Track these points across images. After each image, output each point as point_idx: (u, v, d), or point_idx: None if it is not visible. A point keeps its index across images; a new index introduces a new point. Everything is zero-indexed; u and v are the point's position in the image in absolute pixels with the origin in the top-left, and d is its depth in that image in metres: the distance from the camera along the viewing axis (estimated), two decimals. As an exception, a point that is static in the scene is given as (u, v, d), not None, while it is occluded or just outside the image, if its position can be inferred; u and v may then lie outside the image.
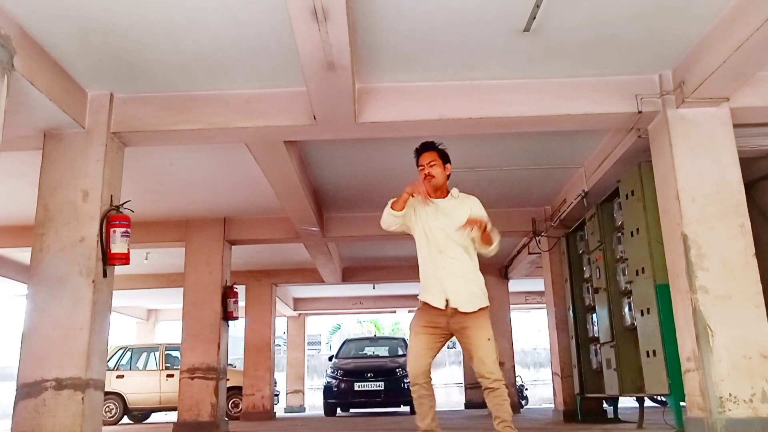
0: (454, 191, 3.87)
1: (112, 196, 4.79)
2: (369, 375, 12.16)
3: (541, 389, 20.46)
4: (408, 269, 10.93)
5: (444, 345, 3.77)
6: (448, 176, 3.85)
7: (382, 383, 11.96)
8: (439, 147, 3.87)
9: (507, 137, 6.10)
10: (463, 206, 3.78)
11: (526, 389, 16.88)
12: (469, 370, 15.10)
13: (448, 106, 4.93)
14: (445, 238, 3.70)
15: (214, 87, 4.92)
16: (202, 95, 4.95)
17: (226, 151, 6.31)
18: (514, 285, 12.65)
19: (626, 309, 6.29)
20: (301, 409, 17.17)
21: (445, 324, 3.64)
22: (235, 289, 8.76)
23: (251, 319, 12.32)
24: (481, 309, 3.64)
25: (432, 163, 3.78)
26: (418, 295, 3.80)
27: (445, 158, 3.85)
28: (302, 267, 12.08)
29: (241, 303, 10.38)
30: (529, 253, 9.62)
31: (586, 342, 7.60)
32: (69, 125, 4.68)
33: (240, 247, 9.29)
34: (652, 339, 5.54)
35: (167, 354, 12.67)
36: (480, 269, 3.77)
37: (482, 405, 15.91)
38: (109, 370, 11.17)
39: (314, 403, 18.66)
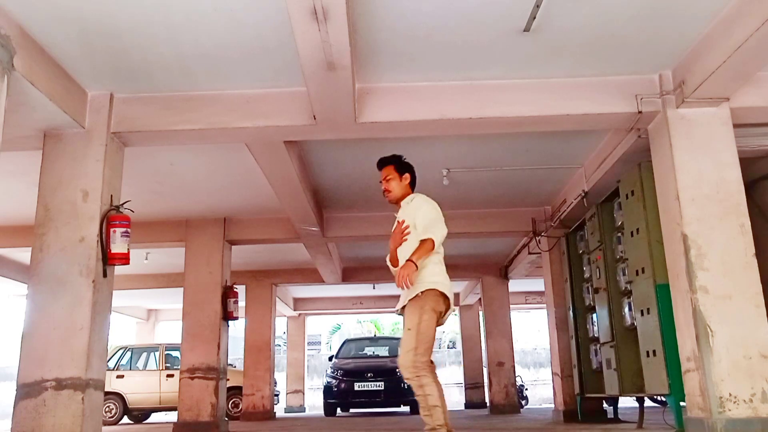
0: (407, 199, 3.95)
1: (112, 196, 4.79)
2: (369, 375, 12.16)
3: (541, 389, 20.46)
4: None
5: None
6: (410, 184, 3.98)
7: (382, 383, 11.95)
8: (396, 159, 4.01)
9: (507, 137, 6.10)
10: (404, 213, 3.90)
11: (526, 389, 16.90)
12: (469, 370, 15.11)
13: (448, 106, 4.93)
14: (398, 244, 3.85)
15: (214, 87, 4.92)
16: (202, 95, 4.96)
17: (226, 151, 6.30)
18: (514, 285, 12.63)
19: (626, 309, 6.29)
20: (301, 409, 17.17)
21: None
22: (235, 289, 8.76)
23: (251, 319, 12.32)
24: (410, 300, 3.68)
25: (388, 178, 3.96)
26: None
27: (402, 169, 3.98)
28: (302, 267, 12.08)
29: (241, 303, 10.37)
30: (529, 253, 9.61)
31: (586, 342, 7.60)
32: (69, 125, 4.68)
33: (240, 247, 9.29)
34: (652, 339, 5.54)
35: (167, 354, 12.67)
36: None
37: (482, 404, 15.90)
38: (109, 370, 11.17)
39: (314, 403, 18.65)
